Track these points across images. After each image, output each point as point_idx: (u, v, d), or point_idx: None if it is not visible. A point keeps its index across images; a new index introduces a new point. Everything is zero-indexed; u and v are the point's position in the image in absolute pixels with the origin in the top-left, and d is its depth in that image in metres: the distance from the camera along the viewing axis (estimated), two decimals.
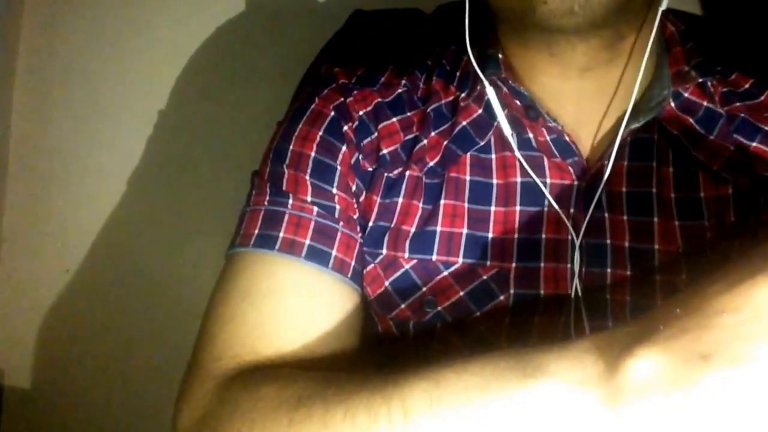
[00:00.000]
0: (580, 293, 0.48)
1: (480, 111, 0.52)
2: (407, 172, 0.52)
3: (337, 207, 0.50)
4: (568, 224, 0.49)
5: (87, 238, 0.90)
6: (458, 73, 0.55)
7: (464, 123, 0.52)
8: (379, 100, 0.54)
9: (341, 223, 0.50)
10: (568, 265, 0.49)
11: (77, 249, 0.91)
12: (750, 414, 0.28)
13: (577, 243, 0.48)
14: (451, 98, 0.54)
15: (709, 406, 0.28)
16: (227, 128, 0.87)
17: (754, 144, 0.49)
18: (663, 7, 0.48)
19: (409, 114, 0.54)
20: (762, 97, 0.51)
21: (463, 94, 0.53)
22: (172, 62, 0.87)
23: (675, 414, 0.29)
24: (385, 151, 0.52)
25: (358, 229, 0.51)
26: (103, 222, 0.90)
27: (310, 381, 0.41)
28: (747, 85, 0.52)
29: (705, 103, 0.50)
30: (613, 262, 0.48)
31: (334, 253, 0.49)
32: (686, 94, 0.51)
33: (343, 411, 0.37)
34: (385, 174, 0.52)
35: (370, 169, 0.52)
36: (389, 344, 0.53)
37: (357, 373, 0.41)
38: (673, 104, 0.50)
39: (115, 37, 0.88)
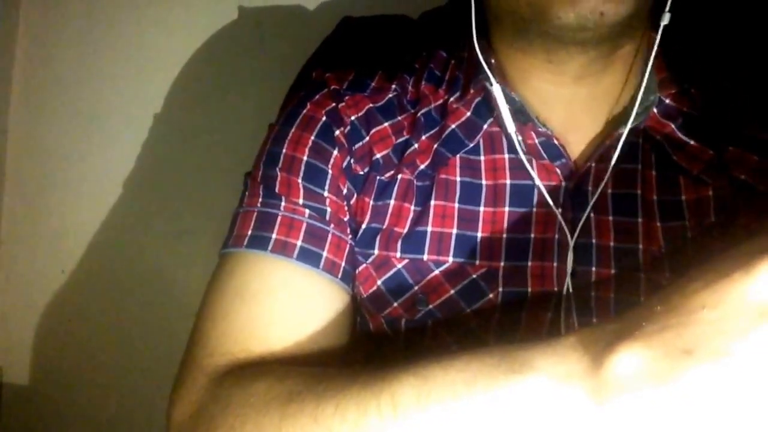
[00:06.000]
0: (571, 290, 0.49)
1: (469, 114, 0.53)
2: (399, 176, 0.52)
3: (328, 210, 0.51)
4: (555, 224, 0.50)
5: (82, 239, 0.91)
6: (447, 77, 0.55)
7: (453, 126, 0.53)
8: (371, 105, 0.54)
9: (332, 226, 0.51)
10: (554, 264, 0.49)
11: (73, 250, 0.91)
12: (730, 406, 0.28)
13: (572, 242, 0.49)
14: (440, 102, 0.54)
15: (692, 399, 0.29)
16: (219, 131, 0.87)
17: (731, 148, 0.49)
18: (665, 21, 0.48)
19: (399, 118, 0.54)
20: (740, 102, 0.51)
21: (452, 98, 0.54)
22: (165, 67, 0.87)
23: (658, 407, 0.29)
24: (378, 156, 0.53)
25: (349, 231, 0.52)
26: (99, 223, 0.91)
27: (301, 377, 0.41)
28: (727, 90, 0.52)
29: (686, 110, 0.51)
30: (599, 260, 0.49)
31: (324, 254, 0.50)
32: (668, 101, 0.51)
33: (333, 406, 0.37)
34: (378, 177, 0.52)
35: (362, 172, 0.53)
36: (380, 342, 0.53)
37: (347, 370, 0.41)
38: (656, 110, 0.51)
39: (109, 44, 0.88)
